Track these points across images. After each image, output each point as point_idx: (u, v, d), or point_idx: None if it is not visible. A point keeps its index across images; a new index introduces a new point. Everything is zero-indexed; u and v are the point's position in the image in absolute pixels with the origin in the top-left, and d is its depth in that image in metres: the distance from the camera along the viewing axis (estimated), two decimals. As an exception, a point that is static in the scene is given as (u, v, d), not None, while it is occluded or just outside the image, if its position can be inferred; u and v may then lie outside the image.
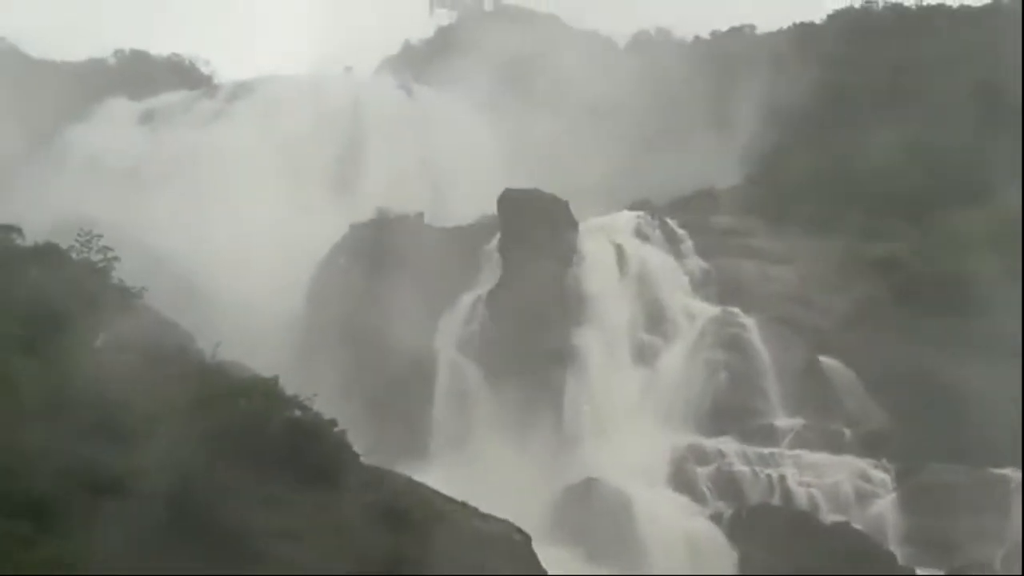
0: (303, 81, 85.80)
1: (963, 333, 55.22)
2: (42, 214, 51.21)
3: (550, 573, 40.14)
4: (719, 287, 60.87)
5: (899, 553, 47.72)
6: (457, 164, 77.14)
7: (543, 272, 59.82)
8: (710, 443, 53.23)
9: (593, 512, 49.44)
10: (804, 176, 67.57)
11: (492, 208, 62.92)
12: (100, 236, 42.93)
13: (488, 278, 61.66)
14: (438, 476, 44.58)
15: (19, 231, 42.10)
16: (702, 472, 51.70)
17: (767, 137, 72.07)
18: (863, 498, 50.44)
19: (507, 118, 78.08)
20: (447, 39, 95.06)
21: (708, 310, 59.00)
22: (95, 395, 32.99)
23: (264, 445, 35.31)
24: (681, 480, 51.54)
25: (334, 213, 67.88)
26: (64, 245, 42.43)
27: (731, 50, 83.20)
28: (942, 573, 46.73)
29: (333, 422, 38.79)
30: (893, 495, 50.41)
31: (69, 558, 27.19)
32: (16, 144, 75.81)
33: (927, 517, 48.57)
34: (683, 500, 50.84)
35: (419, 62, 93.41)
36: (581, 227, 62.49)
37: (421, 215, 66.28)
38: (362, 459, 39.54)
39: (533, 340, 57.22)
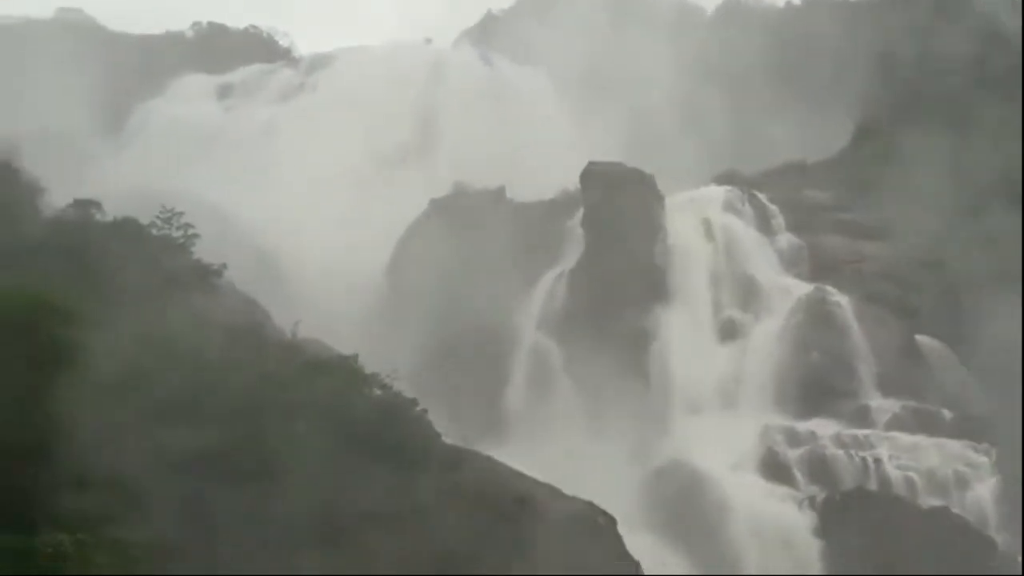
0: (382, 52, 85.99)
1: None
2: (121, 189, 51.75)
3: (635, 557, 39.81)
4: (811, 264, 60.02)
5: (1000, 539, 46.71)
6: (537, 137, 76.74)
7: (627, 248, 59.29)
8: (802, 425, 52.38)
9: (679, 496, 49.03)
10: (901, 149, 66.12)
11: (574, 183, 62.49)
12: (181, 213, 43.30)
13: (570, 254, 61.30)
14: (518, 456, 44.42)
15: (99, 206, 42.55)
16: (794, 455, 50.87)
17: (862, 109, 70.64)
18: (962, 483, 49.33)
19: (590, 90, 77.51)
20: (529, 8, 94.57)
21: (800, 287, 58.12)
22: (174, 373, 33.23)
23: (344, 424, 35.37)
24: (772, 463, 50.75)
25: (412, 186, 68.10)
26: (144, 221, 42.85)
27: (823, 18, 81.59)
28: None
29: (414, 401, 38.84)
30: (993, 480, 49.27)
31: (149, 540, 27.42)
32: (95, 118, 76.99)
33: (1031, 502, 47.33)
34: (774, 484, 50.09)
35: (500, 32, 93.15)
36: (667, 201, 61.77)
37: (502, 189, 66.05)
38: (443, 439, 39.54)
39: (616, 318, 56.80)
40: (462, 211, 63.65)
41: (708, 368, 56.10)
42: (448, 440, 40.12)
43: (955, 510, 47.66)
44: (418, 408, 38.63)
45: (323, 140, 75.10)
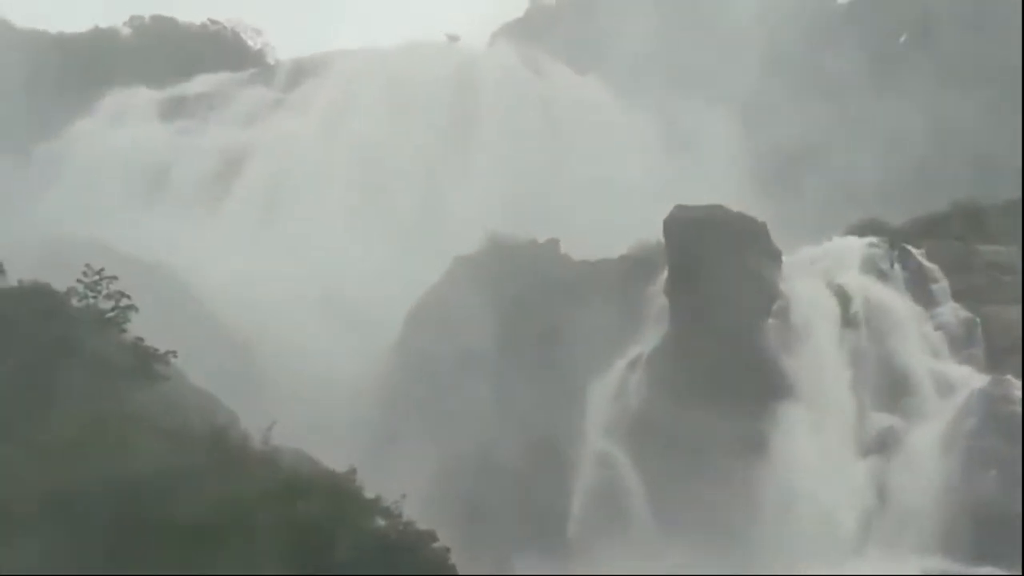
0: (391, 56, 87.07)
1: None
2: (32, 241, 52.56)
3: None
4: (988, 346, 60.05)
5: None
6: (601, 170, 77.35)
7: (731, 324, 59.63)
8: (973, 572, 52.06)
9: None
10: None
11: (655, 234, 62.94)
12: (113, 277, 43.74)
13: (650, 333, 61.66)
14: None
15: (-2, 265, 43.00)
16: (961, 618, 50.85)
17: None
18: None
19: (670, 106, 78.26)
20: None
21: (972, 379, 58.20)
22: (101, 497, 33.46)
23: (333, 567, 35.45)
24: (933, 625, 50.72)
25: (431, 238, 68.65)
26: (61, 285, 43.30)
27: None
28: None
29: (431, 535, 38.85)
30: None
31: None
32: (-2, 144, 78.23)
33: None
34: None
35: (547, 29, 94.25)
36: (786, 260, 62.13)
37: (555, 242, 66.53)
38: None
39: (714, 420, 56.82)
40: (498, 271, 64.15)
41: (843, 492, 55.98)
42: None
43: None
44: (436, 544, 38.66)
45: (310, 176, 76.01)
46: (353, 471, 39.12)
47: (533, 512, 57.60)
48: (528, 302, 62.29)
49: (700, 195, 64.57)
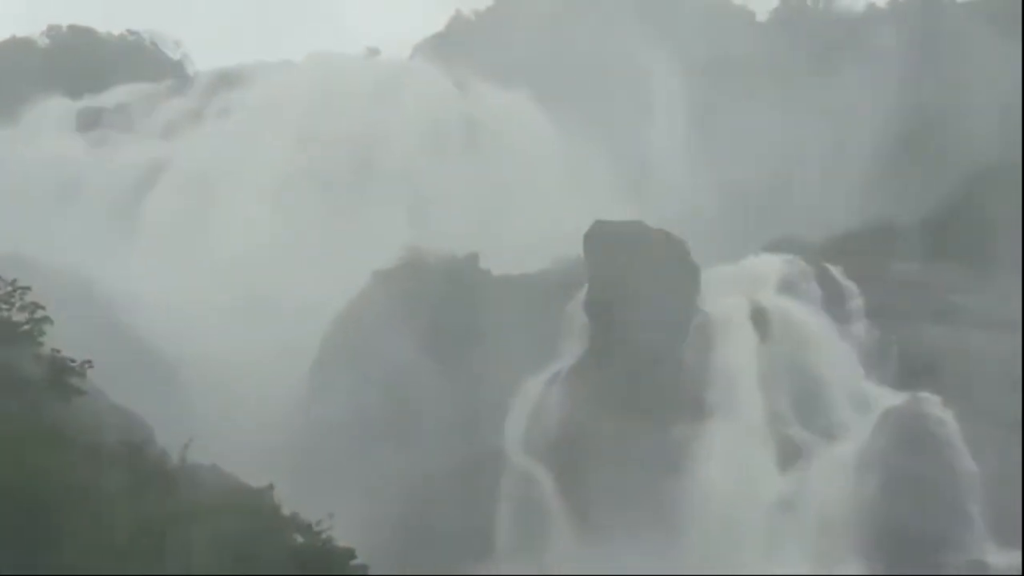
0: (311, 68, 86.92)
1: None
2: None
3: None
4: (903, 364, 60.72)
5: None
6: (523, 185, 77.53)
7: (650, 341, 59.94)
8: (890, 588, 52.89)
9: None
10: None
11: (575, 248, 63.23)
12: (27, 288, 43.47)
13: (569, 349, 61.91)
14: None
15: (-92, 277, 42.60)
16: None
17: (976, 152, 71.46)
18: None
19: (588, 117, 78.47)
20: (510, 9, 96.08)
21: (888, 397, 58.95)
22: (11, 509, 33.23)
23: (251, 584, 35.36)
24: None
25: (349, 252, 68.46)
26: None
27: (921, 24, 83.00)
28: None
29: (350, 552, 38.82)
30: None
31: None
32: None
33: None
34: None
35: (469, 43, 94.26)
36: (704, 276, 62.55)
37: (474, 256, 66.48)
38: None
39: (632, 436, 57.18)
40: (418, 287, 64.05)
41: (760, 506, 56.61)
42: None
43: None
44: (355, 561, 38.65)
45: (228, 189, 75.69)
46: (271, 488, 39.07)
47: (456, 530, 57.40)
48: (446, 318, 62.27)
49: (619, 208, 64.92)
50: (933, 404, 57.84)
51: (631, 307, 60.44)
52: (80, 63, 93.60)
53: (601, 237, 62.17)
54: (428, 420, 59.26)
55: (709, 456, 57.87)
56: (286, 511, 38.65)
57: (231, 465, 44.87)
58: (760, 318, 61.53)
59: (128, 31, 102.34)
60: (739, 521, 56.73)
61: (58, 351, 43.07)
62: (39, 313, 43.45)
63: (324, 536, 38.56)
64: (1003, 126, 71.51)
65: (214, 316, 64.89)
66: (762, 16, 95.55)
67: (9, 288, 43.28)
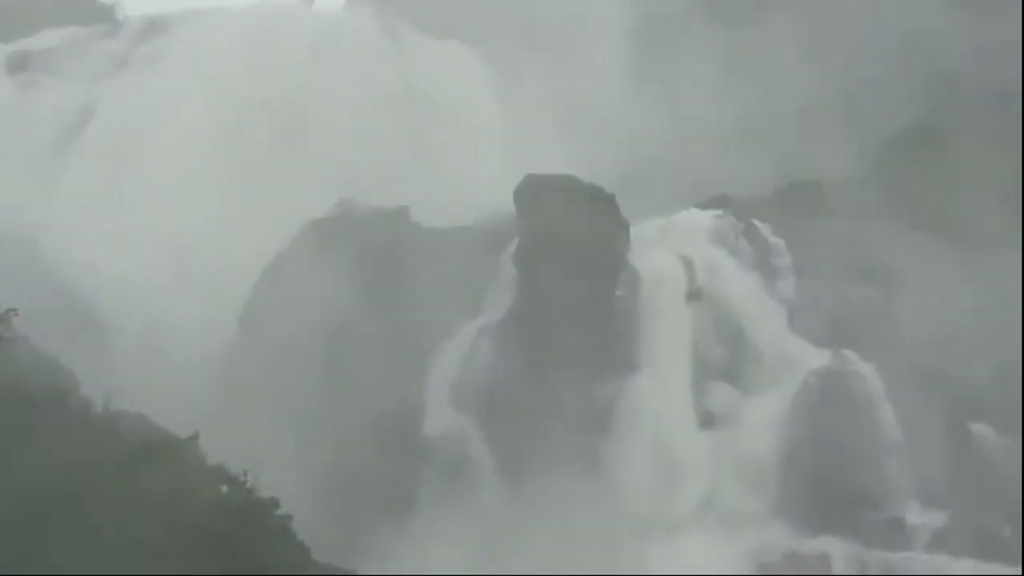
0: (243, 14, 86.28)
1: None
2: None
3: None
4: (829, 321, 61.17)
5: None
6: (457, 140, 77.49)
7: (578, 295, 60.16)
8: (810, 544, 53.62)
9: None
10: (961, 167, 67.27)
11: (506, 203, 63.34)
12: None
13: (498, 302, 62.07)
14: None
15: None
16: (798, 586, 52.14)
17: (905, 112, 71.91)
18: (1026, 628, 50.73)
19: (523, 68, 78.44)
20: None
21: (812, 354, 59.51)
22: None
23: (175, 531, 35.43)
24: (769, 598, 51.98)
25: (281, 202, 68.24)
26: None
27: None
28: None
29: (274, 502, 38.95)
30: (1071, 625, 50.68)
31: None
32: None
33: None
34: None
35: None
36: (634, 231, 62.83)
37: (405, 209, 66.51)
38: (315, 555, 39.74)
39: (561, 390, 57.44)
40: (349, 238, 63.94)
41: (685, 461, 57.07)
42: (322, 556, 40.28)
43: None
44: (279, 512, 38.79)
45: (157, 134, 75.21)
46: (196, 437, 39.12)
47: (381, 480, 57.68)
48: (376, 269, 62.16)
49: (553, 163, 64.98)
50: (857, 362, 58.40)
51: (560, 260, 60.65)
52: (7, 6, 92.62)
53: (532, 190, 62.26)
54: (356, 371, 59.25)
55: (636, 410, 58.18)
56: (211, 462, 38.79)
57: (158, 416, 44.82)
58: (689, 273, 61.85)
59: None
60: (664, 476, 57.08)
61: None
62: (-40, 260, 43.32)
63: (249, 487, 38.72)
64: (934, 85, 72.04)
65: (142, 268, 64.62)
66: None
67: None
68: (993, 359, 58.82)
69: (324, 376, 59.68)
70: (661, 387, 59.01)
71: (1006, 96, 68.38)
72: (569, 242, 61.01)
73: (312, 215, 66.04)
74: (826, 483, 55.91)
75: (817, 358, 59.13)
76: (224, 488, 38.52)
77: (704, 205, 67.44)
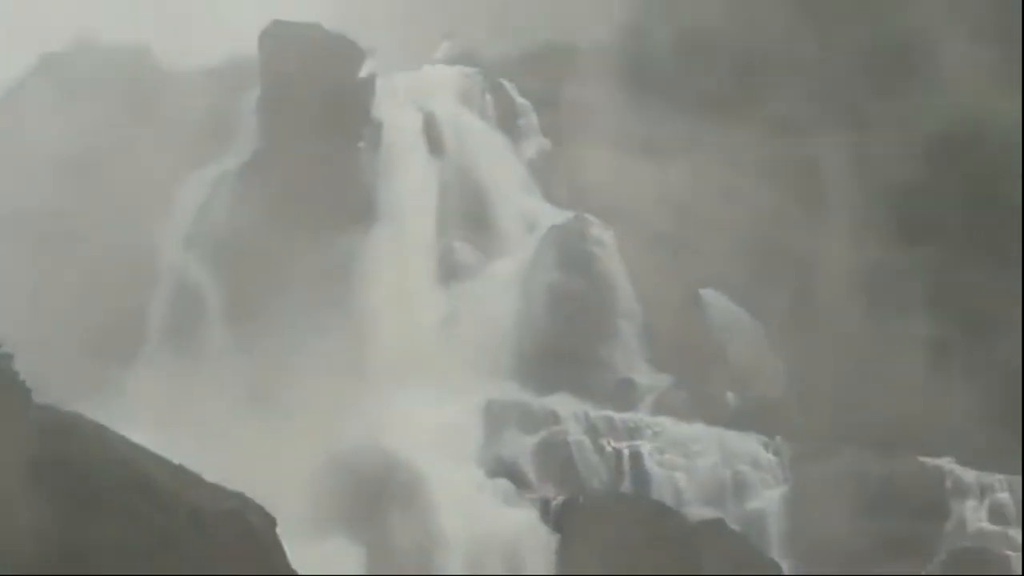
0: None
1: (907, 269, 58.56)
2: None
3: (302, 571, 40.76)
4: (571, 184, 62.03)
5: (786, 565, 50.06)
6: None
7: (319, 145, 59.94)
8: (541, 402, 54.60)
9: (369, 493, 50.16)
10: (705, 38, 68.14)
11: (252, 47, 62.54)
12: None
13: (240, 148, 61.62)
14: (149, 429, 44.60)
15: None
16: (527, 442, 53.00)
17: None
18: (744, 488, 52.43)
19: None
20: None
21: (553, 215, 60.38)
22: None
23: None
24: (497, 451, 52.82)
25: (13, 37, 66.30)
26: None
27: None
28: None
29: (7, 357, 38.33)
30: (785, 487, 52.60)
31: None
32: None
33: (829, 519, 50.74)
34: (499, 480, 51.99)
35: None
36: (380, 84, 62.67)
37: (146, 48, 65.15)
38: (35, 396, 39.27)
39: (300, 242, 57.21)
40: (85, 76, 62.43)
41: (421, 317, 57.82)
42: (43, 398, 39.81)
43: (732, 524, 50.50)
44: (4, 350, 38.17)
45: None
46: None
47: (112, 323, 57.06)
48: (114, 108, 60.93)
49: (306, 9, 64.15)
50: (595, 225, 59.43)
51: (302, 110, 60.29)
52: None
53: (277, 37, 61.64)
54: (91, 209, 58.21)
55: (374, 262, 58.45)
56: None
57: None
58: (432, 129, 62.10)
59: None
60: (400, 329, 57.52)
61: None
62: None
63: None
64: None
65: None
66: None
67: None
68: (726, 228, 60.40)
69: (56, 212, 58.54)
70: (401, 241, 59.35)
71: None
72: (311, 91, 60.61)
73: (47, 48, 64.32)
74: (561, 344, 56.91)
75: (557, 219, 59.89)
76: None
77: (452, 61, 67.47)
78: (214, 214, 59.72)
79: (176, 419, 50.83)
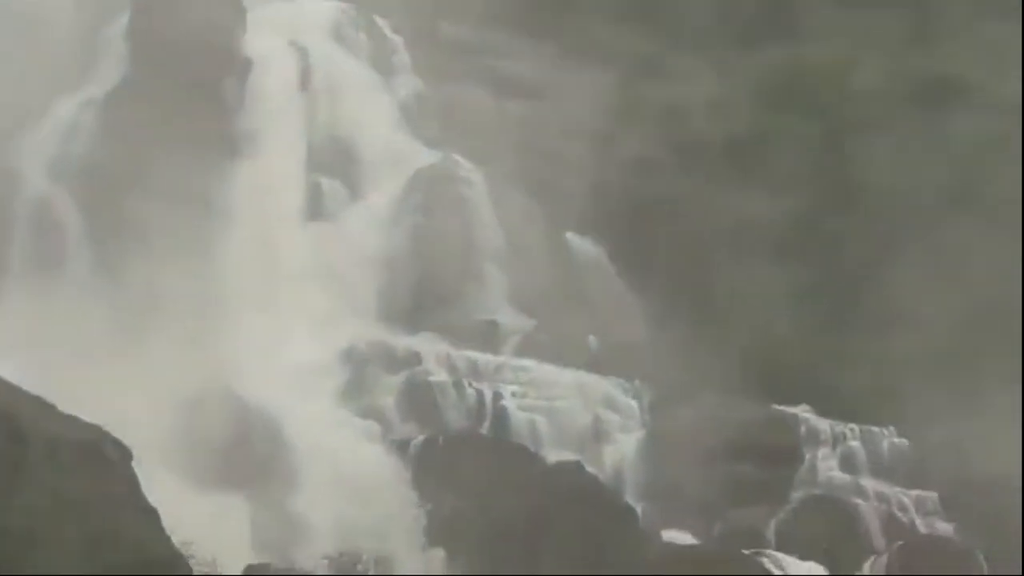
0: None
1: (769, 216, 59.58)
2: None
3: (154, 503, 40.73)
4: (440, 123, 62.27)
5: (641, 509, 50.59)
6: None
7: (188, 77, 59.36)
8: (403, 341, 55.06)
9: (225, 429, 49.95)
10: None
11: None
12: None
13: (107, 76, 60.94)
14: (8, 354, 44.39)
15: None
16: (387, 382, 53.38)
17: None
18: (603, 432, 53.23)
19: None
20: None
21: (421, 155, 60.62)
22: None
23: None
24: (356, 392, 53.10)
25: None
26: None
27: None
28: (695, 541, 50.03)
29: None
30: (643, 431, 53.43)
31: None
32: None
33: (684, 465, 51.56)
34: (358, 420, 52.24)
35: None
36: (250, 16, 62.48)
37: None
38: None
39: (164, 174, 56.52)
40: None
41: (285, 253, 57.72)
42: None
43: (589, 467, 50.94)
44: None
45: None
46: None
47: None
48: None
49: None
50: (466, 166, 59.66)
51: (172, 39, 59.69)
52: None
53: (142, -37, 60.98)
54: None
55: (239, 195, 58.22)
56: None
57: None
58: (303, 62, 61.95)
59: None
60: (265, 264, 57.37)
61: None
62: None
63: None
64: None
65: None
66: None
67: None
68: (589, 170, 60.90)
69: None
70: (268, 176, 59.10)
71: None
72: (180, 21, 60.01)
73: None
74: (426, 284, 57.18)
75: (426, 159, 60.02)
76: None
77: (324, -4, 67.27)
78: (79, 141, 58.83)
79: (37, 349, 50.24)
